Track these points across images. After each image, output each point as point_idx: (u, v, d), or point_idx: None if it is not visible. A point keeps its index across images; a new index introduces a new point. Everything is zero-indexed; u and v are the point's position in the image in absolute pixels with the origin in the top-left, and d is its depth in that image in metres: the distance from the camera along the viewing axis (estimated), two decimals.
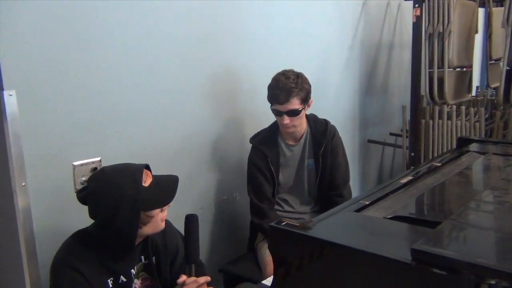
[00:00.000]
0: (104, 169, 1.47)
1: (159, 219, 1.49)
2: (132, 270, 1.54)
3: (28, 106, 1.55)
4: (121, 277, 1.51)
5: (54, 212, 1.67)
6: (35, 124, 1.59)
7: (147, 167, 1.49)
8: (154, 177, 1.49)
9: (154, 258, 1.60)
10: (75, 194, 1.49)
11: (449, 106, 3.12)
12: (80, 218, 1.64)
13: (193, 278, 1.47)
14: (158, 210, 1.47)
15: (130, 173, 1.43)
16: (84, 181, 1.71)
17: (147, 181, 1.45)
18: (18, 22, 1.50)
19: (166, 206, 1.51)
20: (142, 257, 1.58)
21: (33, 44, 1.55)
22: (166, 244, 1.63)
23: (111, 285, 1.48)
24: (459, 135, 3.04)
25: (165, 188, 1.49)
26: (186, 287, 1.46)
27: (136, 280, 1.55)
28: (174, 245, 1.65)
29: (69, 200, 1.69)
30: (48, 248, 1.61)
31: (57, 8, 1.59)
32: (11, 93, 1.50)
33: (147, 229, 1.48)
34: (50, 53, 1.60)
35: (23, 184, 1.55)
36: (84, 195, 1.46)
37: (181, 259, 1.64)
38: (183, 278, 1.48)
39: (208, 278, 1.48)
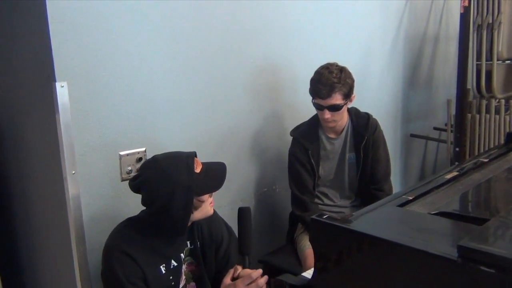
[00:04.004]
0: (156, 157, 1.50)
1: (208, 204, 1.54)
2: (181, 254, 1.59)
3: (78, 97, 1.61)
4: (172, 261, 1.55)
5: (101, 199, 1.73)
6: (85, 115, 1.64)
7: (195, 154, 1.54)
8: (203, 164, 1.53)
9: (199, 243, 1.64)
10: (128, 182, 1.54)
11: (497, 100, 3.02)
12: (126, 205, 1.71)
13: (248, 271, 1.47)
14: (207, 195, 1.52)
15: (183, 160, 1.47)
16: (130, 170, 1.76)
17: (197, 167, 1.49)
18: (69, 17, 1.55)
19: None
20: (188, 242, 1.62)
21: (84, 38, 1.60)
22: (211, 231, 1.66)
23: (164, 271, 1.52)
24: (507, 130, 2.94)
25: (216, 174, 1.53)
26: (240, 280, 1.45)
27: (182, 265, 1.59)
28: (220, 233, 1.68)
29: (116, 188, 1.76)
30: (95, 233, 1.68)
31: (107, 3, 1.64)
32: (62, 85, 1.56)
33: (198, 214, 1.52)
34: (100, 47, 1.65)
35: (73, 172, 1.62)
36: (138, 183, 1.48)
37: (225, 248, 1.68)
38: (238, 270, 1.49)
39: (260, 271, 1.47)
